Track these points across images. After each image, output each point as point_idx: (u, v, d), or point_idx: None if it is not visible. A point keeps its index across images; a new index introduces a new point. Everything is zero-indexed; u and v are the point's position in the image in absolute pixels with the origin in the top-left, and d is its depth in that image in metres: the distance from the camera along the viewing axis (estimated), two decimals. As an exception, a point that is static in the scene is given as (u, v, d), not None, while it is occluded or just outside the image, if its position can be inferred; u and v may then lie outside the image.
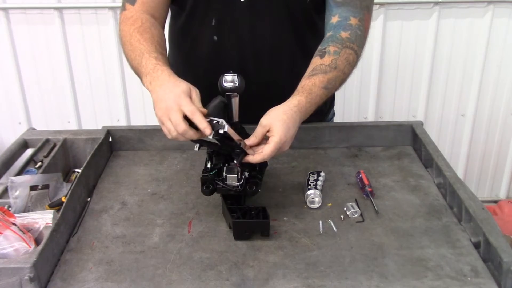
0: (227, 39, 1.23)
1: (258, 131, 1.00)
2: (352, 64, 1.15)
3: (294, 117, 1.02)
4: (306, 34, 1.25)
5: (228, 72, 0.98)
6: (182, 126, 0.92)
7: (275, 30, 1.23)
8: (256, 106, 1.03)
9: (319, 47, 1.15)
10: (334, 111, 1.51)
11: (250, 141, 0.99)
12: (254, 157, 0.98)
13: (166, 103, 0.94)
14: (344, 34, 1.15)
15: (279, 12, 1.20)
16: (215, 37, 1.23)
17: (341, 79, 1.13)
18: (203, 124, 0.90)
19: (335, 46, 1.13)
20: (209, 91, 1.00)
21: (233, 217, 0.98)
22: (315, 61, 1.13)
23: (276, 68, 1.22)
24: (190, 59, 1.31)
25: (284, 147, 1.00)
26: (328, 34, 1.18)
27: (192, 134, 0.93)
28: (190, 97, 0.95)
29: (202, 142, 0.98)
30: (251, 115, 1.01)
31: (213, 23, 1.22)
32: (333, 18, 1.17)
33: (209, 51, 1.26)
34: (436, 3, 2.26)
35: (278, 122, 0.99)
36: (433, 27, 2.31)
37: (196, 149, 0.99)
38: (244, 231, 0.98)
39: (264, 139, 1.00)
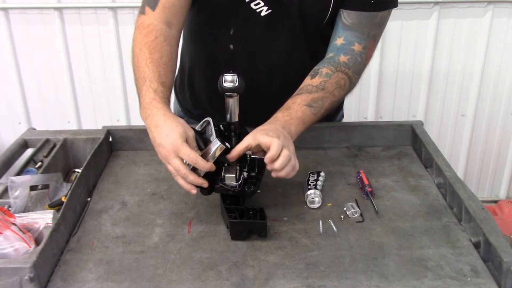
0: (242, 50, 1.24)
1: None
2: (343, 88, 1.15)
3: (272, 125, 1.03)
4: (320, 49, 1.25)
5: (228, 72, 0.98)
6: (183, 170, 0.95)
7: (290, 45, 1.23)
8: (266, 117, 1.05)
9: (315, 67, 1.16)
10: (343, 113, 1.52)
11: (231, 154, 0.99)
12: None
13: (164, 149, 0.96)
14: (342, 58, 1.15)
15: (296, 28, 1.20)
16: (232, 46, 1.23)
17: (331, 100, 1.13)
18: (207, 166, 0.95)
19: (329, 68, 1.14)
20: (218, 94, 0.99)
21: (231, 217, 0.99)
22: (305, 81, 1.14)
23: (287, 81, 1.22)
24: (204, 61, 1.32)
25: (268, 140, 0.97)
26: (329, 55, 1.18)
27: (192, 178, 0.96)
28: (186, 140, 0.96)
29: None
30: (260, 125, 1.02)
31: (231, 33, 1.22)
32: (338, 40, 1.17)
33: (224, 58, 1.26)
34: (436, 3, 2.26)
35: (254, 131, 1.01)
36: (433, 27, 2.31)
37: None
38: (241, 231, 0.98)
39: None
